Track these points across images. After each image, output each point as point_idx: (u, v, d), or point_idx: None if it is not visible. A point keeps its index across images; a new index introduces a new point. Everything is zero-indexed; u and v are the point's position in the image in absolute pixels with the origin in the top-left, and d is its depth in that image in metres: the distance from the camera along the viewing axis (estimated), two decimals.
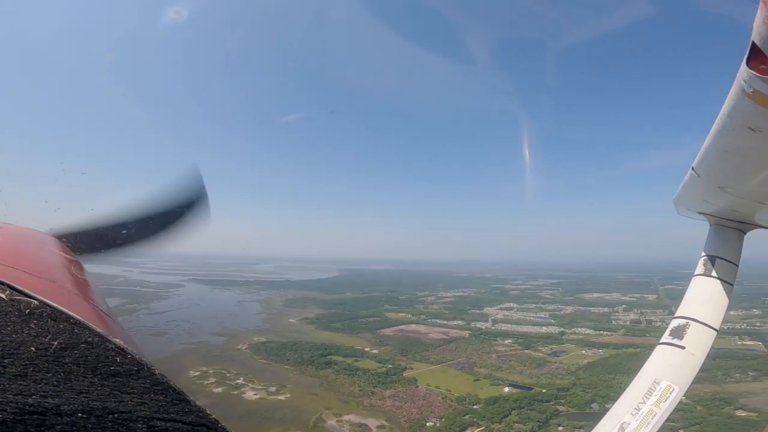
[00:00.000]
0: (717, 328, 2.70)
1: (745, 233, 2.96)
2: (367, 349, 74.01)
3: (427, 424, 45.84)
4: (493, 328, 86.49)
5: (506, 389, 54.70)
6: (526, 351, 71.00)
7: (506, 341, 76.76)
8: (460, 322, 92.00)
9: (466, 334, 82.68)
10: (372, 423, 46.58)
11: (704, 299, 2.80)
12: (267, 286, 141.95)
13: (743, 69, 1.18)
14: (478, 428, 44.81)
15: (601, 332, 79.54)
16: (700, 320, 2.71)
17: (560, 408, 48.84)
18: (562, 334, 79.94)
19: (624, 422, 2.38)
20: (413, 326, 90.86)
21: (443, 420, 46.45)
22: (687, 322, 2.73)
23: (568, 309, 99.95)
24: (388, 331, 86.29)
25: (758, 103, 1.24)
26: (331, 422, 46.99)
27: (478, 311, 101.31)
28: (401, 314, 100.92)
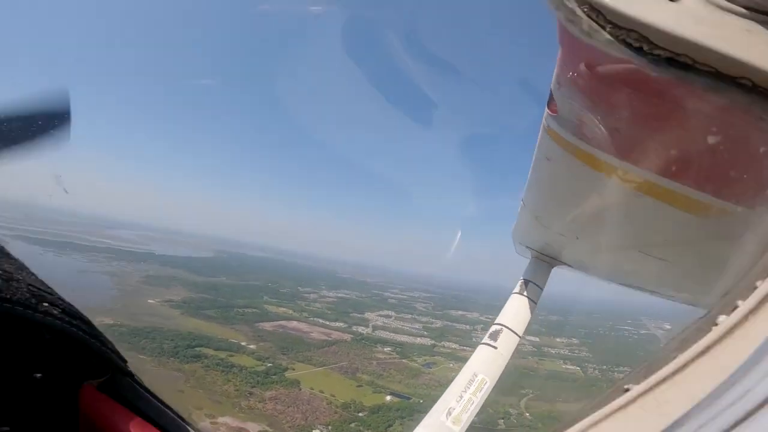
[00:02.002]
0: (521, 335, 3.41)
1: (552, 267, 3.80)
2: (243, 344, 67.40)
3: (314, 431, 43.58)
4: (373, 334, 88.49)
5: (387, 397, 55.95)
6: (403, 360, 74.55)
7: (385, 349, 79.35)
8: (341, 324, 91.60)
9: (348, 337, 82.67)
10: (252, 428, 41.91)
11: (516, 312, 3.53)
12: (121, 256, 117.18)
13: (546, 109, 1.47)
14: None
15: (465, 348, 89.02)
16: (510, 327, 3.39)
17: None
18: (434, 346, 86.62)
19: (451, 407, 2.88)
20: (294, 323, 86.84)
21: (330, 427, 44.68)
22: (501, 328, 3.38)
23: (438, 323, 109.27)
24: (267, 326, 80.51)
25: (551, 138, 1.59)
26: (204, 424, 40.60)
27: (359, 315, 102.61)
28: (282, 309, 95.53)
